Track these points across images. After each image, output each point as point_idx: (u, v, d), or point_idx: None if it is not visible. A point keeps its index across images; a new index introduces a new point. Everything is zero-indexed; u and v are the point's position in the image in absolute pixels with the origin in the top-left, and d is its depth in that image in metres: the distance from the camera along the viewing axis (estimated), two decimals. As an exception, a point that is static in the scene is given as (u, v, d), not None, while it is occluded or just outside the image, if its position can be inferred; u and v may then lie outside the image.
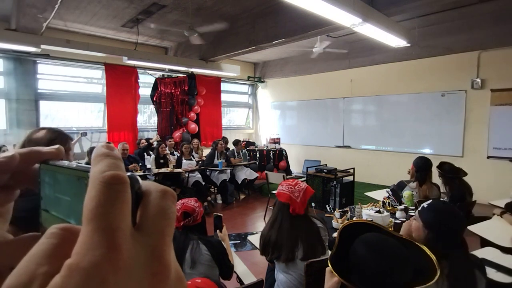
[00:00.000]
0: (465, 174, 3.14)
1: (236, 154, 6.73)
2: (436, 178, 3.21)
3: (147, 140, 6.39)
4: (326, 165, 5.99)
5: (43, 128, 1.17)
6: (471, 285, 1.30)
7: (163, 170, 5.47)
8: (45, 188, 0.25)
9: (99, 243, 0.16)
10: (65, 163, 0.24)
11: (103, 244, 0.16)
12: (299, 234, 1.87)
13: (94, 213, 0.16)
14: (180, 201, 1.93)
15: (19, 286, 0.16)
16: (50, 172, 0.24)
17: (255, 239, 2.45)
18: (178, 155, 5.99)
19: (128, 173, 0.19)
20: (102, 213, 0.16)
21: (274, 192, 2.20)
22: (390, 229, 1.62)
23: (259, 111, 9.56)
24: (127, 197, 0.18)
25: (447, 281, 1.29)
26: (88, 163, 0.20)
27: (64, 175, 0.23)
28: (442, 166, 3.19)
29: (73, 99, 6.27)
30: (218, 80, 8.04)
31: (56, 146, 0.25)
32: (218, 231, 2.14)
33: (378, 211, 2.73)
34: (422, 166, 3.11)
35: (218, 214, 2.19)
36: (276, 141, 8.14)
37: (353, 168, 5.48)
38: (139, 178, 0.20)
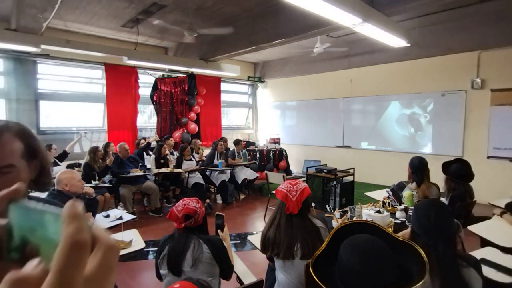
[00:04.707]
0: (472, 178, 3.10)
1: (236, 154, 6.73)
2: (435, 178, 3.21)
3: (145, 139, 6.38)
4: (326, 165, 5.99)
5: None
6: (459, 281, 1.30)
7: (163, 170, 5.48)
8: (23, 215, 0.29)
9: None
10: (33, 205, 0.29)
11: None
12: (297, 233, 1.88)
13: (59, 268, 0.23)
14: (181, 201, 1.93)
15: None
16: (20, 210, 0.29)
17: (255, 239, 2.46)
18: (178, 155, 5.99)
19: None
20: (64, 271, 0.23)
21: (274, 192, 2.20)
22: (389, 229, 1.62)
23: (259, 111, 9.56)
24: (85, 259, 0.24)
25: (437, 279, 1.29)
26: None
27: (35, 213, 0.28)
28: (448, 168, 3.16)
29: (73, 99, 6.27)
30: (218, 80, 8.04)
31: (16, 185, 0.31)
32: (219, 230, 2.14)
33: (378, 211, 2.73)
34: (417, 166, 3.09)
35: (220, 213, 2.19)
36: (276, 141, 8.15)
37: (353, 168, 5.48)
38: (90, 223, 0.26)
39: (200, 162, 6.34)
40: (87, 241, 0.24)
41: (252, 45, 5.45)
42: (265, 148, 7.90)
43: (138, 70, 6.55)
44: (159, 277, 1.95)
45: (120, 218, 3.15)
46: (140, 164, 5.56)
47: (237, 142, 6.83)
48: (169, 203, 5.76)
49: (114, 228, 2.99)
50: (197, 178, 5.84)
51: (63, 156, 5.24)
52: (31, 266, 0.25)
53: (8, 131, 0.78)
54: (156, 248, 2.00)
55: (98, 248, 0.25)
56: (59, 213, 0.26)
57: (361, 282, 1.13)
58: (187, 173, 5.72)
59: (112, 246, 0.26)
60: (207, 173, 6.14)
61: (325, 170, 5.35)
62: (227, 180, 6.10)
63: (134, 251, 2.49)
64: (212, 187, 6.35)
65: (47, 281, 0.22)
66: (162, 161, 5.68)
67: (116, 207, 4.80)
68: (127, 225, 3.01)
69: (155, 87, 7.02)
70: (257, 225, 5.07)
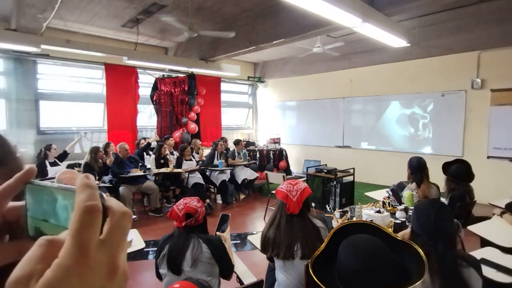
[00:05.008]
0: (472, 179, 3.10)
1: (236, 154, 6.73)
2: (435, 178, 3.21)
3: (145, 139, 6.38)
4: (326, 165, 5.99)
5: None
6: (459, 281, 1.30)
7: (163, 170, 5.48)
8: (36, 202, 0.32)
9: (76, 252, 0.25)
10: (48, 183, 0.31)
11: (78, 253, 0.25)
12: (297, 233, 1.88)
13: (75, 232, 0.25)
14: (182, 200, 1.93)
15: (25, 276, 0.24)
16: (35, 190, 0.32)
17: (255, 239, 2.46)
18: (178, 155, 5.99)
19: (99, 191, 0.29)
20: (80, 233, 0.25)
21: (274, 192, 2.20)
22: (389, 229, 1.63)
23: (259, 111, 9.56)
24: (98, 222, 0.26)
25: (437, 279, 1.29)
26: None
27: (49, 193, 0.31)
28: (448, 168, 3.15)
29: (73, 99, 6.26)
30: (218, 80, 8.04)
31: (28, 167, 0.34)
32: (220, 231, 2.14)
33: (378, 211, 2.73)
34: (416, 166, 3.10)
35: (226, 214, 2.21)
36: (276, 141, 8.15)
37: (353, 168, 5.48)
38: (104, 195, 0.29)
39: (200, 162, 6.34)
40: (97, 206, 0.27)
41: (252, 45, 5.45)
42: (265, 148, 7.90)
43: (138, 70, 6.55)
44: (159, 276, 1.95)
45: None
46: (140, 164, 5.56)
47: (237, 142, 6.83)
48: (169, 203, 5.76)
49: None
50: (197, 178, 5.84)
51: (63, 156, 5.24)
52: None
53: None
54: (156, 248, 2.00)
55: (111, 215, 0.28)
56: (70, 189, 0.29)
57: (361, 282, 1.13)
58: (187, 173, 5.72)
59: (124, 212, 0.29)
60: (207, 173, 6.13)
61: (325, 170, 5.35)
62: (227, 180, 6.10)
63: (134, 251, 2.48)
64: (212, 187, 6.35)
65: (66, 243, 0.25)
66: (162, 161, 5.68)
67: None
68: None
69: (155, 87, 7.02)
70: (257, 225, 5.07)
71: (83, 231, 0.25)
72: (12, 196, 0.33)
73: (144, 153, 6.06)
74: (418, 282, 1.08)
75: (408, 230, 1.56)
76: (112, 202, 0.29)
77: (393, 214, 2.82)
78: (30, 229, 0.32)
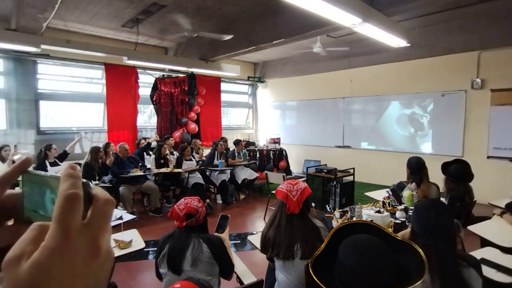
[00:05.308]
0: (471, 178, 3.10)
1: (236, 154, 6.73)
2: (435, 178, 3.21)
3: (145, 139, 6.38)
4: (326, 165, 5.99)
5: None
6: (459, 281, 1.30)
7: (163, 170, 5.48)
8: (29, 193, 0.34)
9: (59, 235, 0.27)
10: (42, 172, 0.34)
11: (61, 236, 0.27)
12: (297, 233, 1.87)
13: (57, 217, 0.28)
14: (183, 200, 1.94)
15: (16, 256, 0.27)
16: (30, 180, 0.34)
17: (255, 239, 2.46)
18: (178, 155, 5.99)
19: (84, 180, 0.31)
20: (62, 218, 0.28)
21: (274, 192, 2.20)
22: (389, 229, 1.63)
23: (259, 111, 9.56)
24: (78, 208, 0.29)
25: (437, 279, 1.29)
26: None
27: (39, 186, 0.33)
28: (447, 168, 3.15)
29: (73, 99, 6.26)
30: (218, 80, 8.04)
31: (25, 157, 0.36)
32: (220, 231, 2.14)
33: (378, 211, 2.73)
34: (415, 166, 3.10)
35: (225, 214, 2.20)
36: (276, 141, 8.15)
37: (353, 168, 5.48)
38: (90, 184, 0.32)
39: (200, 162, 6.34)
40: (78, 194, 0.29)
41: (252, 45, 5.45)
42: (265, 148, 7.90)
43: (138, 70, 6.55)
44: (159, 276, 1.95)
45: (120, 218, 3.15)
46: (140, 164, 5.56)
47: (237, 142, 6.83)
48: (169, 203, 5.76)
49: (114, 228, 2.99)
50: (197, 178, 5.85)
51: (63, 156, 5.24)
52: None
53: None
54: (156, 248, 2.00)
55: (95, 201, 0.31)
56: (59, 177, 0.31)
57: (360, 282, 1.13)
58: (187, 173, 5.72)
59: (107, 199, 0.31)
60: (207, 173, 6.13)
61: (325, 170, 5.35)
62: (227, 180, 6.10)
63: (134, 251, 2.49)
64: (212, 187, 6.35)
65: (51, 228, 0.28)
66: (162, 161, 5.68)
67: (116, 207, 4.80)
68: (127, 225, 3.01)
69: (155, 87, 7.02)
70: (257, 225, 5.07)
71: (65, 216, 0.28)
72: (10, 184, 0.36)
73: (144, 153, 6.06)
74: (419, 282, 1.08)
75: (408, 230, 1.56)
76: (97, 190, 0.32)
77: (393, 214, 2.82)
78: (25, 216, 0.35)
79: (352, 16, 3.40)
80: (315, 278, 1.19)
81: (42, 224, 0.30)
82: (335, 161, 6.65)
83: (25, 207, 0.34)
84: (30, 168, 0.36)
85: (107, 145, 5.52)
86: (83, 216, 0.30)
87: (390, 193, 3.18)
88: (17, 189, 0.35)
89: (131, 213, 4.30)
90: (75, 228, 0.28)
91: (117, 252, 2.40)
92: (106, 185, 4.82)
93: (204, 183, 5.89)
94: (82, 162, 5.11)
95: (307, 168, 5.83)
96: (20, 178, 0.35)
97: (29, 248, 0.28)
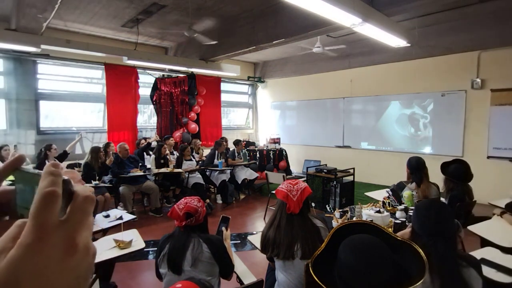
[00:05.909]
0: (470, 178, 3.10)
1: (236, 154, 6.73)
2: (435, 178, 3.21)
3: (146, 139, 6.38)
4: (326, 165, 5.99)
5: None
6: (459, 281, 1.30)
7: (163, 170, 5.48)
8: (22, 190, 0.35)
9: (35, 231, 0.28)
10: (31, 169, 0.34)
11: (37, 232, 0.28)
12: (297, 233, 1.87)
13: (34, 214, 0.28)
14: (183, 200, 1.94)
15: None
16: (22, 177, 0.35)
17: (255, 239, 2.46)
18: (178, 155, 5.99)
19: (65, 177, 0.31)
20: (38, 215, 0.28)
21: (274, 192, 2.20)
22: (389, 229, 1.63)
23: (259, 111, 9.56)
24: (55, 205, 0.29)
25: (437, 279, 1.29)
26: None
27: (29, 184, 0.33)
28: (447, 168, 3.15)
29: (73, 99, 6.26)
30: (218, 80, 8.04)
31: (18, 154, 0.36)
32: (224, 228, 2.15)
33: (378, 211, 2.73)
34: (415, 166, 3.10)
35: (226, 216, 2.20)
36: (276, 141, 8.15)
37: (353, 168, 5.48)
38: (71, 181, 0.32)
39: (200, 162, 6.34)
40: (55, 191, 0.29)
41: (252, 45, 5.45)
42: (265, 148, 7.90)
43: (138, 70, 6.55)
44: (159, 276, 1.95)
45: (120, 218, 3.16)
46: (140, 164, 5.56)
47: (237, 142, 6.83)
48: (169, 203, 5.76)
49: (114, 228, 2.99)
50: (197, 178, 5.85)
51: (63, 156, 5.23)
52: None
53: None
54: (156, 248, 2.00)
55: (74, 198, 0.31)
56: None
57: (360, 282, 1.13)
58: (187, 173, 5.72)
59: (86, 196, 0.32)
60: (207, 173, 6.13)
61: (325, 170, 5.35)
62: (227, 180, 6.10)
63: (134, 251, 2.49)
64: (212, 187, 6.35)
65: (27, 224, 0.28)
66: (162, 161, 5.68)
67: (116, 207, 4.80)
68: (127, 225, 3.01)
69: (155, 87, 7.02)
70: (257, 225, 5.07)
71: (41, 213, 0.28)
72: (2, 181, 0.36)
73: (144, 153, 6.06)
74: (419, 283, 1.08)
75: (408, 230, 1.56)
76: (78, 187, 0.32)
77: (393, 214, 2.83)
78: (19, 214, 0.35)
79: (352, 16, 3.40)
80: (315, 278, 1.19)
81: (23, 221, 0.30)
82: (335, 161, 6.65)
83: (18, 204, 0.35)
84: (28, 166, 0.36)
85: (107, 145, 5.51)
86: (64, 213, 0.30)
87: (390, 193, 3.18)
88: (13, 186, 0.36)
89: (131, 213, 4.31)
90: (51, 225, 0.28)
91: (117, 252, 2.40)
92: (106, 185, 4.82)
93: (204, 183, 5.88)
94: (82, 162, 5.12)
95: (307, 168, 5.83)
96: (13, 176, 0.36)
97: (9, 245, 0.28)
